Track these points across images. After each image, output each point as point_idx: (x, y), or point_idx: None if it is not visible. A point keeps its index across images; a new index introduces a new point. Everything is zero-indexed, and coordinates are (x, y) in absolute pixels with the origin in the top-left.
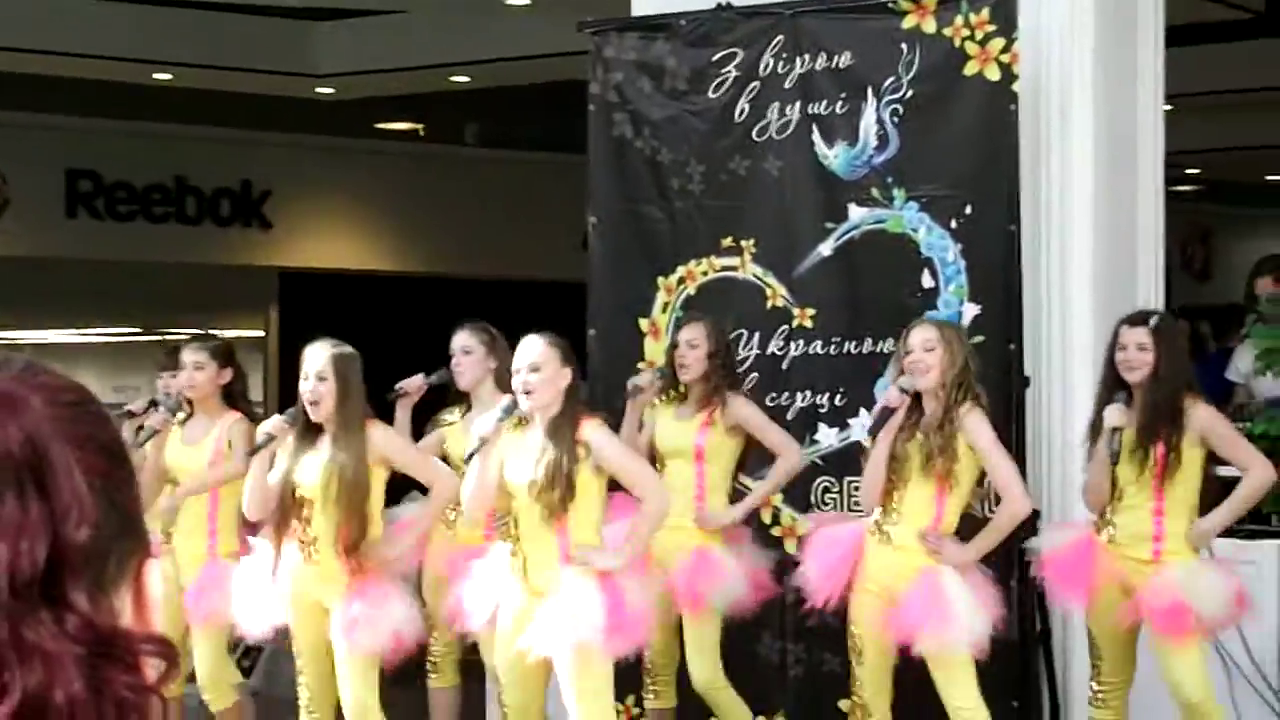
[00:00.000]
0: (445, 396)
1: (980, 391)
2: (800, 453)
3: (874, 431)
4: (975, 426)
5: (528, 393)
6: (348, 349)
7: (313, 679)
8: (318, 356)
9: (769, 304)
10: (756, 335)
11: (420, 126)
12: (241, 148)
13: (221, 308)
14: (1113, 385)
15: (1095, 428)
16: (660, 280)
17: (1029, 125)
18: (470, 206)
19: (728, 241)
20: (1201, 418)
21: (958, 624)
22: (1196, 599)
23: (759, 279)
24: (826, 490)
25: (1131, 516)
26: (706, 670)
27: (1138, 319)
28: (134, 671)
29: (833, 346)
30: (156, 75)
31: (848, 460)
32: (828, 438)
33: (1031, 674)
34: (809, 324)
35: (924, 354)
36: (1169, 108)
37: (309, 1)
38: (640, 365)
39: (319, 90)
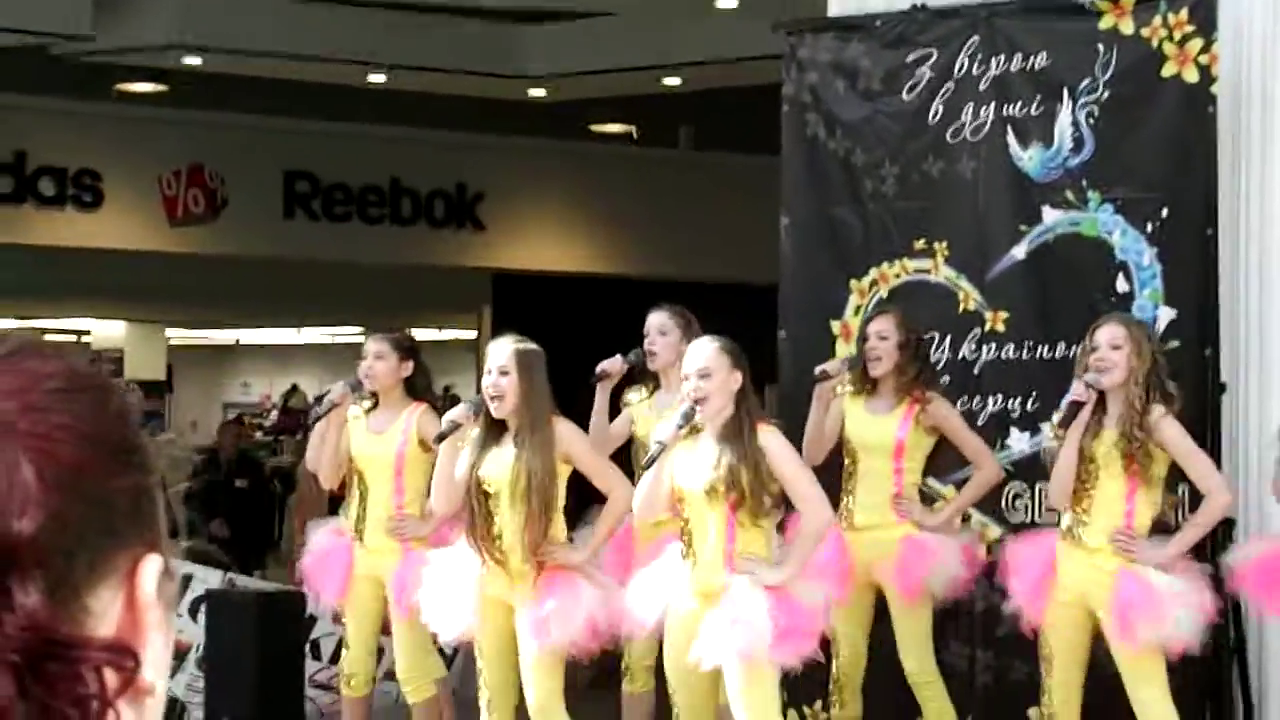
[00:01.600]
0: (632, 375)
1: (1173, 391)
2: (999, 465)
3: (1064, 424)
4: (1169, 430)
5: (699, 400)
6: (531, 344)
7: (494, 680)
8: (501, 351)
9: (961, 307)
10: (948, 339)
11: (633, 129)
12: (456, 150)
13: (435, 309)
14: None
15: None
16: (853, 283)
17: (1228, 127)
18: (683, 209)
19: (920, 244)
20: None
21: (1170, 619)
22: None
23: (951, 282)
24: (1017, 496)
25: None
26: (922, 660)
27: None
28: (82, 681)
29: (1025, 351)
30: (371, 78)
31: (1039, 466)
32: (1019, 443)
33: (1225, 686)
34: (1001, 328)
35: (1110, 352)
36: None
37: (521, 4)
38: None
39: (531, 92)
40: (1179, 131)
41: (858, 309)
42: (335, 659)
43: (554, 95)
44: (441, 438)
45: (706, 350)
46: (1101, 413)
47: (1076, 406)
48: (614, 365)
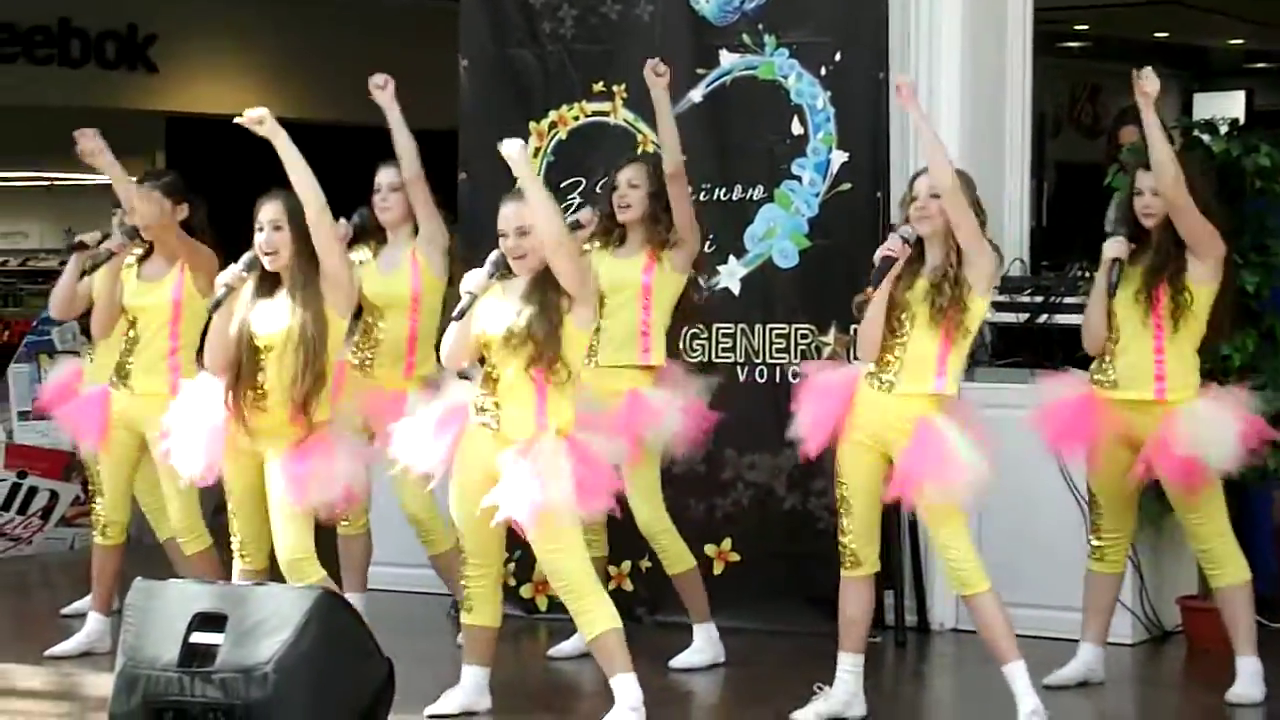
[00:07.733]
0: (356, 237)
1: (996, 247)
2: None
3: (875, 282)
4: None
5: (520, 256)
6: None
7: (246, 524)
8: (273, 206)
9: (640, 150)
10: None
11: None
12: None
13: None
14: (1130, 226)
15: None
16: (532, 124)
17: None
18: (362, 52)
19: (599, 86)
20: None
21: (961, 474)
22: (1205, 447)
23: (630, 125)
24: (695, 337)
25: (1131, 357)
26: (654, 509)
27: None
28: None
29: (702, 193)
30: None
31: (715, 307)
32: None
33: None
34: None
35: (930, 200)
36: None
37: None
38: None
39: None
40: None
41: (537, 151)
42: None
43: None
44: (216, 305)
45: (523, 208)
46: (920, 263)
47: (889, 261)
48: (339, 231)
